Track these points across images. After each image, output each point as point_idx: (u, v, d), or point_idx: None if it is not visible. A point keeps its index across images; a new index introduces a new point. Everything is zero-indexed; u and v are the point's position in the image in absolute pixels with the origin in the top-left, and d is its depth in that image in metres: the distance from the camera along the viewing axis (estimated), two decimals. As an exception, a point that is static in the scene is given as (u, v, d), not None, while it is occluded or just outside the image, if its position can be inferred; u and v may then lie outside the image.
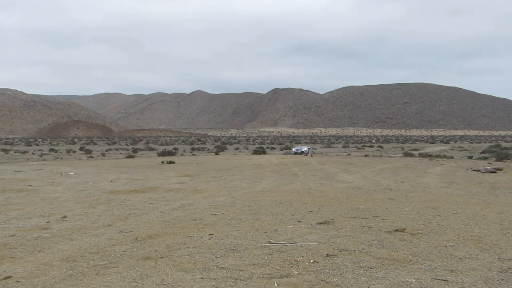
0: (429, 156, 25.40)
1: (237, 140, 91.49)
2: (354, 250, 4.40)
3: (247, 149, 44.76)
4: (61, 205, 7.87)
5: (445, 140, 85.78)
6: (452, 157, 24.52)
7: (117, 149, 48.14)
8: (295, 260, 4.09)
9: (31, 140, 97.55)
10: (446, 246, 4.55)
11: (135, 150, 43.12)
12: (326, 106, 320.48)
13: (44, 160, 28.31)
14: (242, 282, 3.55)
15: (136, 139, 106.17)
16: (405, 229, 5.29)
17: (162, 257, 4.28)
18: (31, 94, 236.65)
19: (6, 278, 3.79)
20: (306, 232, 5.24)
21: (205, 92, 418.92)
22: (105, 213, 6.92)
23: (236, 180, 12.17)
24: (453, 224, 5.63)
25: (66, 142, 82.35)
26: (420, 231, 5.20)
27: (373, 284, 3.46)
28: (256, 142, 77.12)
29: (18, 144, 72.43)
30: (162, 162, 20.63)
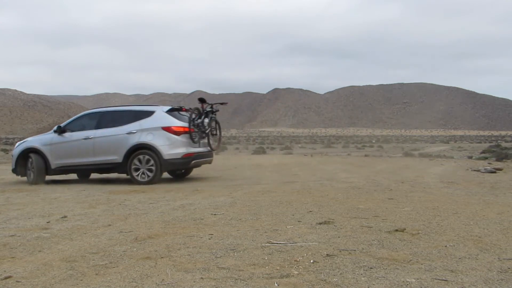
0: (429, 156, 25.39)
1: (237, 140, 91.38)
2: (354, 250, 4.40)
3: (247, 149, 44.74)
4: (61, 205, 7.87)
5: (445, 140, 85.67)
6: (452, 157, 24.51)
7: (117, 149, 48.04)
8: (295, 260, 4.09)
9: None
10: (446, 246, 4.55)
11: (135, 150, 42.92)
12: (326, 106, 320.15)
13: (44, 160, 28.25)
14: (242, 282, 3.55)
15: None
16: (405, 229, 5.28)
17: (162, 257, 4.28)
18: (31, 94, 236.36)
19: (6, 278, 3.79)
20: (306, 232, 5.23)
21: (205, 92, 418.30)
22: (105, 213, 6.92)
23: (236, 179, 12.16)
24: (453, 224, 5.63)
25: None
26: (420, 231, 5.19)
27: (373, 284, 3.46)
28: (256, 142, 77.04)
29: (18, 144, 72.38)
30: (162, 162, 20.57)
